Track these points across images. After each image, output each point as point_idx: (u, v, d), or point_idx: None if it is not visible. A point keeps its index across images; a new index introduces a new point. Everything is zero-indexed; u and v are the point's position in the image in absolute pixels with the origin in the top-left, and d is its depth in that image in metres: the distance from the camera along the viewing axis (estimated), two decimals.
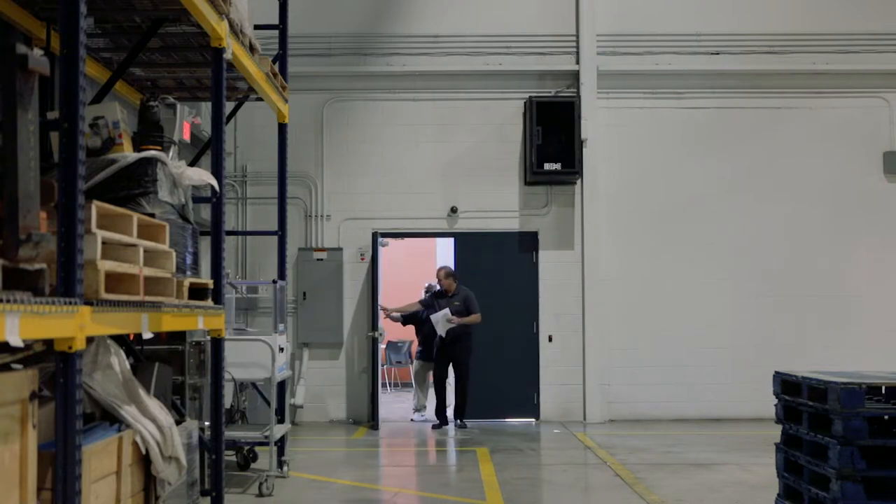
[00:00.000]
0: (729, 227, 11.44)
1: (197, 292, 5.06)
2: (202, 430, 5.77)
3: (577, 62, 11.47)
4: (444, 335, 10.52)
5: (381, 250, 11.35)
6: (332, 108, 11.56)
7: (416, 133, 11.52)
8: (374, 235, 11.01)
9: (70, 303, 3.25)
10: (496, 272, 11.29)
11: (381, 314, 11.02)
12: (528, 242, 11.47)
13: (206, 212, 8.66)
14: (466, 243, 11.49)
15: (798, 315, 11.25)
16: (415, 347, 12.41)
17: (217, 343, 5.64)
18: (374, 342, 10.85)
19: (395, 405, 12.86)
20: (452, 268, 11.29)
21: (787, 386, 5.69)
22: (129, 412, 4.15)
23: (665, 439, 9.69)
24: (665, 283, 11.38)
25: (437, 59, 11.51)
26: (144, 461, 4.26)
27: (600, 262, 11.29)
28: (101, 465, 3.77)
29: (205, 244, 6.12)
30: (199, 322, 5.05)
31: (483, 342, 11.13)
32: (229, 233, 7.92)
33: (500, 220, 11.45)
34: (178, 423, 4.71)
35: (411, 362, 13.08)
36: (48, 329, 3.12)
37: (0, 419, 2.97)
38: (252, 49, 6.55)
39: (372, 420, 10.84)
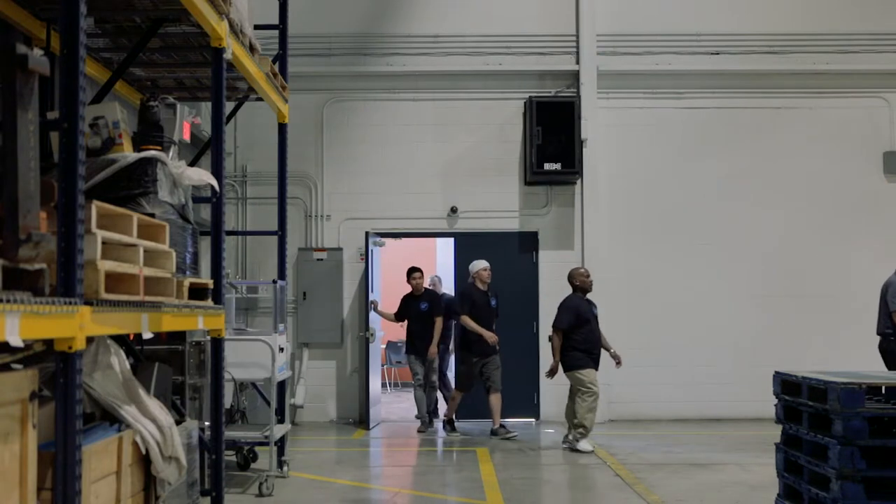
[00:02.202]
0: (729, 227, 11.45)
1: (197, 292, 5.06)
2: (202, 430, 5.77)
3: (577, 62, 11.47)
4: None
5: (377, 250, 11.33)
6: (332, 108, 11.56)
7: (416, 133, 11.52)
8: (367, 235, 10.96)
9: (70, 303, 3.25)
10: (496, 272, 11.25)
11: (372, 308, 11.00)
12: (528, 242, 11.47)
13: (206, 212, 8.67)
14: (466, 243, 11.48)
15: (798, 315, 11.26)
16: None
17: (217, 343, 5.65)
18: (366, 342, 10.82)
19: (395, 405, 12.87)
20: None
21: (787, 386, 5.69)
22: (129, 412, 4.15)
23: (665, 439, 9.69)
24: (665, 283, 11.38)
25: (437, 59, 11.51)
26: (144, 461, 4.26)
27: (600, 261, 11.28)
28: (101, 465, 3.77)
29: (205, 244, 6.13)
30: (199, 322, 5.05)
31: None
32: (229, 233, 7.92)
33: (500, 220, 11.45)
34: (178, 423, 4.71)
35: None
36: (48, 329, 3.12)
37: (0, 419, 2.97)
38: (252, 49, 6.56)
39: (364, 420, 10.83)
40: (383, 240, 11.44)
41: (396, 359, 15.15)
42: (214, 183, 5.52)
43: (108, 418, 4.10)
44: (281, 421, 7.76)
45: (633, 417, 11.13)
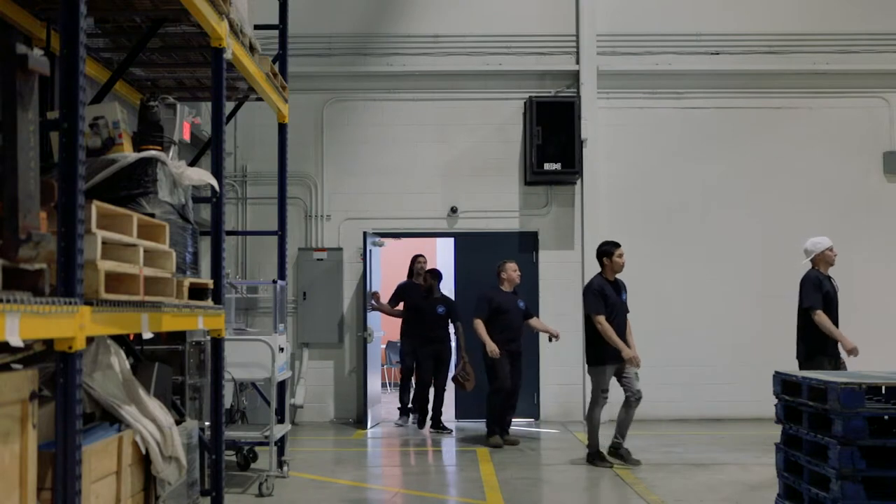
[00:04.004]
0: (729, 227, 11.45)
1: (197, 292, 5.06)
2: (202, 430, 5.77)
3: (577, 62, 11.47)
4: None
5: (377, 251, 11.32)
6: (332, 108, 11.56)
7: (416, 133, 11.52)
8: (365, 235, 10.94)
9: (70, 303, 3.25)
10: (495, 272, 11.26)
11: (371, 305, 10.97)
12: (528, 242, 11.47)
13: (206, 212, 8.67)
14: (466, 243, 11.49)
15: None
16: None
17: (217, 343, 5.64)
18: (364, 342, 10.80)
19: (395, 405, 12.83)
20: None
21: (787, 386, 5.69)
22: (129, 412, 4.15)
23: (665, 439, 9.68)
24: (665, 283, 11.38)
25: (437, 59, 11.51)
26: (144, 461, 4.26)
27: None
28: (101, 465, 3.77)
29: (205, 244, 6.13)
30: (199, 322, 5.05)
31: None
32: (229, 233, 7.93)
33: (500, 220, 11.45)
34: (178, 423, 4.71)
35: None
36: (48, 329, 3.12)
37: (0, 419, 2.97)
38: (252, 49, 6.56)
39: (362, 420, 10.82)
40: (383, 240, 11.43)
41: (396, 359, 15.12)
42: (214, 183, 5.52)
43: (108, 418, 4.10)
44: (281, 421, 7.76)
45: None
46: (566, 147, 10.94)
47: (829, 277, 8.02)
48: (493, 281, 9.84)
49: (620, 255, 8.45)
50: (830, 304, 7.88)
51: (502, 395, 9.39)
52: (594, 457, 8.29)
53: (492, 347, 9.21)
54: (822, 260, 8.04)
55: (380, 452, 9.51)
